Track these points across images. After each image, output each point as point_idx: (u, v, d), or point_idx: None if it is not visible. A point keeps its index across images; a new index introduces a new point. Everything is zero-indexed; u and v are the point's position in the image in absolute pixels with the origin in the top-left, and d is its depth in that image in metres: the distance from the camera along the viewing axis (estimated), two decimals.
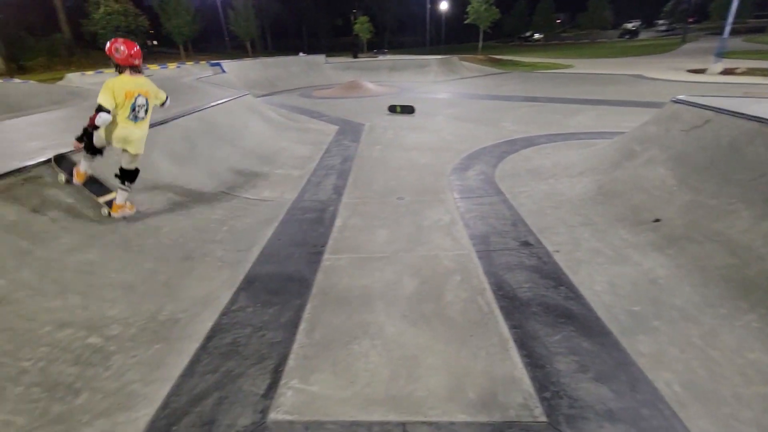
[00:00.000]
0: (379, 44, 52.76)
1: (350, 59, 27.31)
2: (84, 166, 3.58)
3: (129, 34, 36.26)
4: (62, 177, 3.60)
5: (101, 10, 34.55)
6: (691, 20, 42.05)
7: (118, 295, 2.96)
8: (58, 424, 2.01)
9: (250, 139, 7.07)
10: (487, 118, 9.78)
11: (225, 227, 4.16)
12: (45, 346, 2.39)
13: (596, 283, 3.03)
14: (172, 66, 20.23)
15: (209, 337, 2.64)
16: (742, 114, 3.80)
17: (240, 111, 7.77)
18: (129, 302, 2.91)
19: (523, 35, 60.54)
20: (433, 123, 9.56)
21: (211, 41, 51.13)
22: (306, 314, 2.84)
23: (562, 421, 1.98)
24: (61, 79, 20.17)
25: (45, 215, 3.30)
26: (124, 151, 3.52)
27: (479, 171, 5.86)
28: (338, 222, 4.33)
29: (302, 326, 2.72)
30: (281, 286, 3.20)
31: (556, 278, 3.14)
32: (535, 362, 2.34)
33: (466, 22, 37.32)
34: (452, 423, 1.99)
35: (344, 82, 17.02)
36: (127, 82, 3.27)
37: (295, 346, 2.54)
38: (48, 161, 3.61)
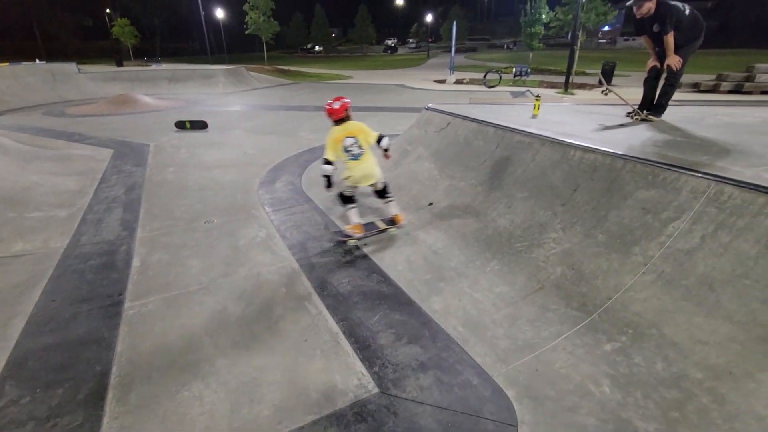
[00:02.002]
0: (150, 51, 46.10)
1: (114, 68, 22.96)
2: (353, 219, 3.99)
3: None
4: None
5: None
6: (430, 40, 53.10)
7: None
8: None
9: None
10: (285, 129, 10.03)
11: None
12: None
13: (398, 264, 3.66)
14: None
15: None
16: (468, 117, 5.18)
17: None
18: None
19: (305, 47, 63.63)
20: (231, 137, 9.17)
21: None
22: (113, 379, 2.42)
23: (390, 386, 2.37)
24: None
25: None
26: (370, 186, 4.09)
27: (287, 182, 6.03)
28: (136, 262, 3.77)
29: (111, 394, 2.32)
30: (70, 356, 2.61)
31: (369, 268, 3.63)
32: (362, 344, 2.69)
33: (247, 32, 36.59)
34: (301, 428, 2.12)
35: (111, 96, 14.29)
36: (333, 131, 3.85)
37: (106, 421, 2.15)
38: None
